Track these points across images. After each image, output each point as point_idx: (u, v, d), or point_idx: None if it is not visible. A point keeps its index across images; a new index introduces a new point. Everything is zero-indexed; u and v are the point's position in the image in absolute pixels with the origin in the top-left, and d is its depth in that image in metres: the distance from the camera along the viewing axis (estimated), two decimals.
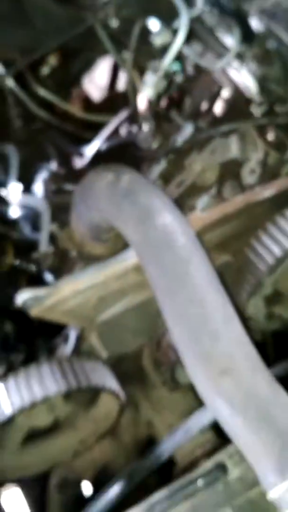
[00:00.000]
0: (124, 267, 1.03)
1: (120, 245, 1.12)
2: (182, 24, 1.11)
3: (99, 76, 1.90)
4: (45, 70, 1.72)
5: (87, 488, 1.51)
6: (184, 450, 1.15)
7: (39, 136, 1.55)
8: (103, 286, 1.07)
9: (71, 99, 1.79)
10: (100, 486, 1.52)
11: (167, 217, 0.83)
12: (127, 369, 1.34)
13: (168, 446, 0.96)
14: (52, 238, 1.31)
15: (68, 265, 1.27)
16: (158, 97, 1.31)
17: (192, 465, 1.25)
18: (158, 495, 0.83)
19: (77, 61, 1.79)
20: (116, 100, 1.74)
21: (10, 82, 1.43)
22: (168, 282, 0.80)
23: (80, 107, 1.68)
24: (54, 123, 1.50)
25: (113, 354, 1.28)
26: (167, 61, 1.17)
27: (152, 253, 0.81)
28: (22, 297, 1.02)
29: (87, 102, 1.84)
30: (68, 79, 1.80)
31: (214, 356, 0.75)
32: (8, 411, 1.03)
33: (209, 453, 1.27)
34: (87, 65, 1.83)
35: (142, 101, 1.34)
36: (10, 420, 1.17)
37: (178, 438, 0.96)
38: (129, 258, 1.04)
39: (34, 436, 1.32)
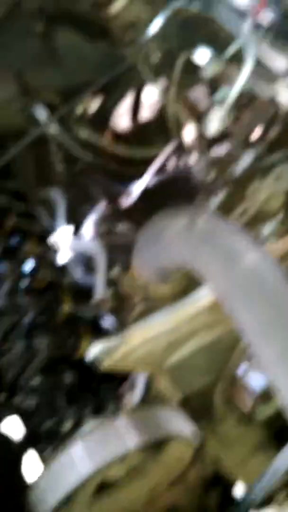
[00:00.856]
0: (196, 309, 0.99)
1: (185, 283, 1.08)
2: (250, 54, 1.07)
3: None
4: (79, 109, 1.71)
5: None
6: None
7: (83, 177, 1.53)
8: (174, 330, 1.03)
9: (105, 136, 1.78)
10: None
11: (253, 256, 0.79)
12: (195, 406, 1.29)
13: (259, 488, 0.89)
14: (108, 281, 1.27)
15: (127, 306, 1.23)
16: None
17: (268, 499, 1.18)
18: None
19: (112, 97, 1.78)
20: (145, 131, 1.72)
21: (53, 129, 1.42)
22: (264, 324, 0.75)
23: (111, 142, 1.65)
24: (98, 163, 1.48)
25: (183, 394, 1.22)
26: (234, 93, 1.12)
27: (243, 298, 0.77)
28: (94, 351, 0.98)
29: (115, 135, 1.83)
30: (103, 115, 1.80)
31: None
32: (88, 470, 0.98)
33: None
34: (120, 100, 1.82)
35: (189, 134, 1.31)
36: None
37: (269, 480, 0.89)
38: (201, 299, 0.99)
39: (105, 486, 1.26)
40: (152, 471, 1.26)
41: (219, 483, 1.39)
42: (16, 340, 1.22)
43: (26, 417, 1.16)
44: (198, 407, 1.32)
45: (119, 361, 1.02)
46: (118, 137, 1.80)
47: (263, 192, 1.11)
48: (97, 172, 1.50)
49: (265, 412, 1.22)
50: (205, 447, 1.42)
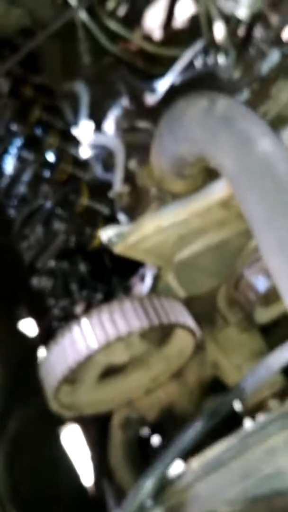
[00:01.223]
0: (209, 202, 1.00)
1: (200, 182, 1.09)
2: None
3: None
4: (111, 5, 1.65)
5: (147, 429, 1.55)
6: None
7: (109, 72, 1.50)
8: (186, 223, 1.05)
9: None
10: (161, 427, 1.56)
11: (268, 144, 0.79)
12: (198, 310, 1.34)
13: (250, 382, 0.95)
14: (126, 178, 1.29)
15: (142, 204, 1.25)
16: (237, 24, 1.23)
17: (259, 406, 1.25)
18: (250, 428, 0.83)
19: None
20: (178, 35, 1.66)
21: (82, 15, 1.38)
22: (268, 211, 0.76)
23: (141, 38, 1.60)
24: (124, 58, 1.44)
25: (188, 294, 1.27)
26: None
27: (252, 181, 0.78)
28: (107, 233, 1.01)
29: (149, 39, 1.77)
30: (133, 15, 1.73)
31: None
32: (93, 345, 1.05)
33: (278, 395, 1.27)
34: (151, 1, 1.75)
35: (219, 30, 1.27)
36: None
37: (260, 375, 0.95)
38: (214, 193, 1.01)
39: (109, 373, 1.35)
40: (154, 362, 1.35)
41: (218, 389, 1.47)
42: (36, 226, 1.27)
43: (42, 297, 1.23)
44: (201, 311, 1.37)
45: (131, 247, 1.05)
46: (148, 36, 1.75)
47: (286, 93, 1.09)
48: (123, 68, 1.47)
49: (265, 315, 1.26)
50: (204, 352, 1.50)
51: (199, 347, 1.49)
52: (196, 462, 0.85)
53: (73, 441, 1.79)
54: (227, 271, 1.24)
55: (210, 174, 1.09)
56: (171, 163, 1.04)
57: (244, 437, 0.82)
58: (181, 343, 1.27)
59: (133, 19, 1.75)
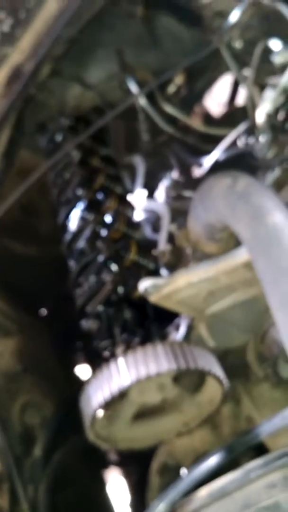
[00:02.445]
0: (234, 263, 1.15)
1: (231, 245, 1.24)
2: None
3: (219, 93, 2.05)
4: (171, 89, 1.90)
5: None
6: (279, 438, 1.22)
7: (164, 148, 1.73)
8: (214, 280, 1.19)
9: (193, 115, 1.96)
10: None
11: (278, 216, 0.94)
12: (231, 364, 1.45)
13: (266, 428, 1.05)
14: (170, 239, 1.47)
15: (183, 262, 1.41)
16: (276, 111, 1.42)
17: None
18: (255, 463, 0.93)
19: (201, 80, 1.95)
20: (235, 115, 1.87)
21: (142, 101, 1.62)
22: (274, 274, 0.90)
23: (201, 122, 1.83)
24: (177, 136, 1.66)
25: (219, 346, 1.39)
26: (286, 78, 1.27)
27: (262, 248, 0.92)
28: (144, 284, 1.18)
29: (207, 118, 2.00)
30: (192, 96, 1.97)
31: None
32: (126, 382, 1.19)
33: None
34: (209, 83, 1.98)
35: (260, 115, 1.45)
36: (125, 393, 1.35)
37: (277, 422, 1.05)
38: (239, 255, 1.15)
39: (144, 414, 1.48)
40: (186, 407, 1.45)
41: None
42: (89, 275, 1.47)
43: (89, 338, 1.41)
44: (234, 365, 1.47)
45: (165, 298, 1.21)
46: (208, 118, 1.98)
47: None
48: (176, 144, 1.68)
49: None
50: (239, 406, 1.59)
51: (236, 401, 1.59)
52: (205, 490, 0.96)
53: (115, 485, 1.88)
54: (255, 327, 1.36)
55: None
56: (203, 228, 1.21)
57: (248, 471, 0.92)
58: (212, 391, 1.37)
59: (191, 101, 2.00)
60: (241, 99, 1.92)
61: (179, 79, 1.92)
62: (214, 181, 1.09)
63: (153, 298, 1.20)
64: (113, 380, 1.20)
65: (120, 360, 1.21)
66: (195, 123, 1.73)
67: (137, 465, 1.89)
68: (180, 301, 1.24)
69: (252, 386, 1.54)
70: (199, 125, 1.71)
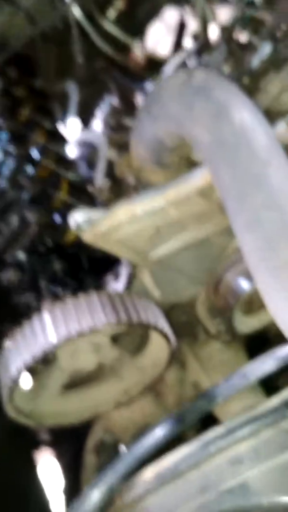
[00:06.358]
0: (187, 190, 0.93)
1: (182, 172, 1.02)
2: None
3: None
4: (111, 14, 1.65)
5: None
6: (228, 408, 1.04)
7: (101, 74, 1.48)
8: (161, 213, 0.97)
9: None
10: None
11: (246, 114, 0.72)
12: (177, 321, 1.25)
13: (223, 389, 0.85)
14: (108, 174, 1.23)
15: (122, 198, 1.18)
16: (233, 25, 1.20)
17: None
18: (214, 433, 0.73)
19: (143, 7, 1.72)
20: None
21: (76, 11, 1.36)
22: (242, 185, 0.69)
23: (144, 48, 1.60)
24: (117, 59, 1.42)
25: (165, 298, 1.18)
26: None
27: (227, 153, 0.71)
28: (76, 218, 0.93)
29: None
30: (134, 26, 1.73)
31: None
32: (52, 341, 0.95)
33: None
34: (153, 13, 1.75)
35: (214, 31, 1.25)
36: (53, 356, 1.11)
37: (236, 382, 0.85)
38: (192, 180, 0.93)
39: (76, 383, 1.25)
40: (126, 372, 1.24)
41: None
42: (10, 217, 1.21)
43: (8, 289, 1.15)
44: (181, 323, 1.28)
45: (103, 237, 0.97)
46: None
47: (275, 86, 1.04)
48: (115, 70, 1.45)
49: (247, 325, 1.17)
50: (185, 371, 1.40)
51: (181, 364, 1.40)
52: (151, 471, 0.74)
53: (46, 467, 1.67)
54: (207, 276, 1.16)
55: (191, 166, 1.03)
56: (149, 149, 0.98)
57: (206, 444, 0.72)
58: (156, 352, 1.17)
59: (134, 30, 1.76)
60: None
61: (119, 3, 1.67)
62: (164, 81, 0.86)
63: (87, 237, 0.95)
64: (36, 340, 0.95)
65: (45, 315, 0.97)
66: (137, 45, 1.48)
67: (70, 444, 1.68)
68: (121, 241, 1.00)
69: (200, 347, 1.35)
70: (141, 48, 1.47)
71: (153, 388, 1.35)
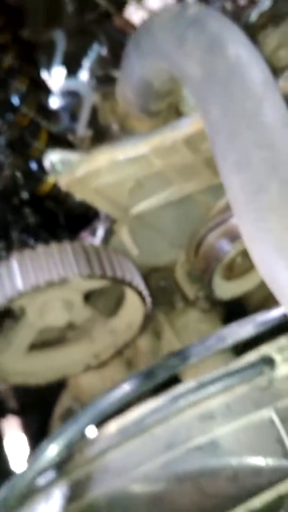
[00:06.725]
0: (174, 137, 0.87)
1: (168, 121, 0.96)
2: None
3: None
4: None
5: None
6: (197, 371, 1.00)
7: (92, 25, 1.40)
8: (145, 162, 0.91)
9: None
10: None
11: (241, 48, 0.67)
12: (154, 287, 1.20)
13: (198, 351, 0.80)
14: (92, 123, 1.17)
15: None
16: None
17: None
18: (185, 387, 0.68)
19: None
20: None
21: None
22: (233, 122, 0.63)
23: None
24: (110, 11, 1.34)
25: (144, 261, 1.13)
26: None
27: (219, 88, 0.65)
28: (51, 158, 0.87)
29: None
30: None
31: (284, 207, 0.58)
32: (18, 288, 0.89)
33: None
34: None
35: None
36: (22, 312, 1.05)
37: (212, 343, 0.80)
38: (180, 128, 0.88)
39: (45, 342, 1.20)
40: (98, 334, 1.19)
41: None
42: None
43: None
44: (157, 290, 1.23)
45: (80, 183, 0.91)
46: None
47: (274, 39, 0.98)
48: (107, 21, 1.37)
49: (227, 291, 1.12)
50: (161, 340, 1.35)
51: (156, 334, 1.36)
52: (114, 425, 0.69)
53: (12, 435, 1.62)
54: (188, 241, 1.11)
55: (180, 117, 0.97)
56: (137, 92, 0.91)
57: (175, 398, 0.67)
58: (131, 312, 1.12)
59: None
60: None
61: None
62: (155, 15, 0.80)
63: (63, 181, 0.89)
64: (3, 287, 0.89)
65: (13, 261, 0.91)
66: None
67: (37, 413, 1.62)
68: (99, 190, 0.94)
69: (176, 316, 1.30)
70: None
71: (126, 357, 1.31)
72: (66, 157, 0.87)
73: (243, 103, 0.64)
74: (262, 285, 1.24)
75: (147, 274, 1.17)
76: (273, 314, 0.87)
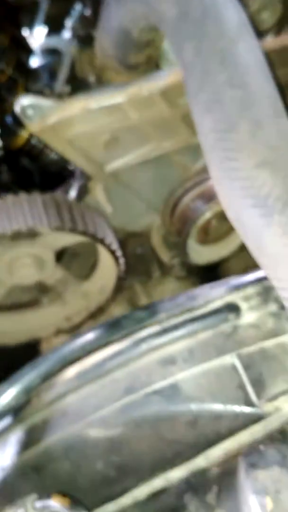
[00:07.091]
0: (151, 88, 0.85)
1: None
2: None
3: None
4: None
5: None
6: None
7: None
8: (121, 113, 0.89)
9: None
10: None
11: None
12: (130, 255, 1.18)
13: (168, 306, 0.78)
14: (70, 79, 1.14)
15: None
16: None
17: None
18: (147, 331, 0.66)
19: None
20: None
21: None
22: (206, 61, 0.61)
23: None
24: None
25: (120, 224, 1.11)
26: None
27: (193, 26, 0.63)
28: (22, 102, 0.84)
29: None
30: None
31: (252, 146, 0.57)
32: None
33: None
34: None
35: None
36: None
37: (182, 302, 0.78)
38: (157, 79, 0.86)
39: (15, 304, 1.17)
40: (70, 296, 1.17)
41: None
42: None
43: None
44: (133, 258, 1.21)
45: (53, 131, 0.88)
46: None
47: (256, 1, 0.96)
48: None
49: (202, 256, 1.11)
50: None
51: (131, 304, 1.34)
52: (73, 369, 0.67)
53: None
54: (163, 204, 1.09)
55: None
56: (115, 43, 0.89)
57: (137, 342, 0.65)
58: (104, 274, 1.10)
59: None
60: None
61: None
62: None
63: (34, 128, 0.86)
64: None
65: None
66: None
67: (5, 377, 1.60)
68: (73, 141, 0.92)
69: (153, 286, 1.28)
70: None
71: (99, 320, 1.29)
72: (37, 102, 0.85)
73: (217, 42, 0.62)
74: (240, 257, 1.24)
75: (124, 240, 1.16)
76: (248, 278, 0.86)
